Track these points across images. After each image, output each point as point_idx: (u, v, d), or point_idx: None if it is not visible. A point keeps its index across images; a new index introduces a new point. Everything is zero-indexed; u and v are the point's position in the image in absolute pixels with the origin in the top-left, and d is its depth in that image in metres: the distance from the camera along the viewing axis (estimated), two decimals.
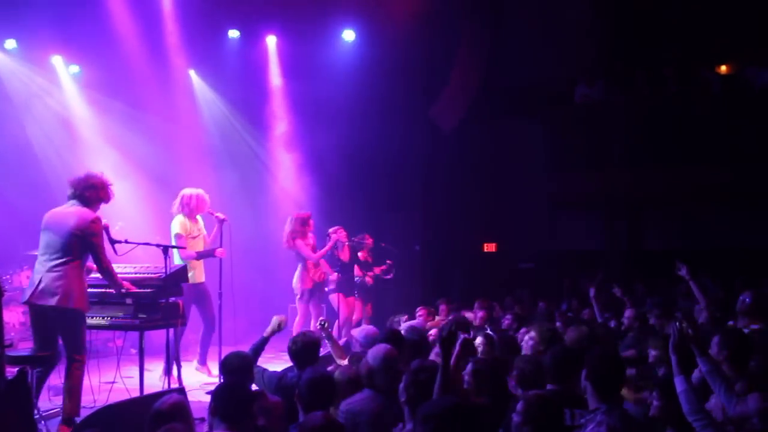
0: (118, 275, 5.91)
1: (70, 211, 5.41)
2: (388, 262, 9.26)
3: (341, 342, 7.22)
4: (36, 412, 5.22)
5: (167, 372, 6.53)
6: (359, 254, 9.07)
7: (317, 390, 3.73)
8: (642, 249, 12.32)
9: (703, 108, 11.41)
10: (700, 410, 3.46)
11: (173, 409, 3.51)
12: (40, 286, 5.29)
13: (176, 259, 7.00)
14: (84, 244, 5.35)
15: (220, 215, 7.14)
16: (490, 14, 11.75)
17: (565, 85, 12.38)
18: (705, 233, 11.71)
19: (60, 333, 5.40)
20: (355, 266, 9.01)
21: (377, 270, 9.22)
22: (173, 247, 6.67)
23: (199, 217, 7.39)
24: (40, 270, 5.37)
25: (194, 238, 7.22)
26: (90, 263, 5.58)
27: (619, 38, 11.92)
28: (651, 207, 12.23)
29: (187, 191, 7.31)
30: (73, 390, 5.32)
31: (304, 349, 4.72)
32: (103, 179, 5.58)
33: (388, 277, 9.23)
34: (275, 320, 5.32)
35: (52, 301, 5.24)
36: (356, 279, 8.94)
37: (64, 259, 5.31)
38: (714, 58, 11.97)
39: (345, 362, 5.12)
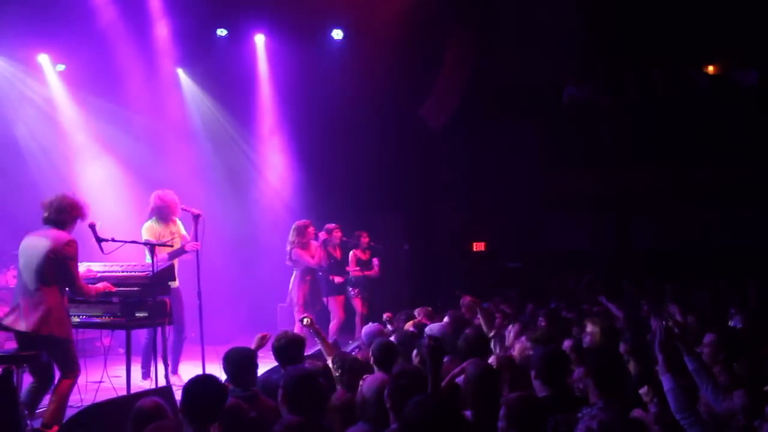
0: (105, 273, 5.89)
1: (44, 235, 5.35)
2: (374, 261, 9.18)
3: (331, 341, 7.19)
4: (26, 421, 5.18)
5: (172, 371, 6.48)
6: (354, 251, 9.03)
7: (302, 389, 3.66)
8: (630, 249, 12.39)
9: (690, 108, 11.49)
10: (688, 408, 3.47)
11: (152, 410, 3.47)
12: (18, 312, 5.26)
13: (146, 259, 6.88)
14: (59, 268, 5.27)
15: (195, 210, 7.00)
16: (478, 14, 11.77)
17: (553, 86, 12.43)
18: (693, 233, 11.80)
19: (47, 354, 5.37)
20: (352, 264, 8.97)
21: (369, 272, 9.15)
22: (160, 244, 6.60)
23: (178, 220, 7.25)
24: (18, 295, 5.34)
25: (166, 243, 7.02)
26: None
27: (606, 39, 11.98)
28: (639, 207, 12.31)
29: (154, 194, 7.19)
30: (59, 396, 5.28)
31: (288, 347, 4.68)
32: (74, 200, 5.47)
33: (371, 272, 9.15)
34: (257, 338, 5.18)
35: (29, 327, 5.17)
36: (353, 277, 8.89)
37: (41, 284, 5.24)
38: (701, 59, 12.06)
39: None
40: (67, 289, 5.41)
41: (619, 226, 12.62)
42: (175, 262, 7.06)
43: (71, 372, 5.36)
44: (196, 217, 6.93)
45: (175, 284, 7.10)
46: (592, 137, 11.96)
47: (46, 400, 5.43)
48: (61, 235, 5.32)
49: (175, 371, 7.17)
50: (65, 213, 5.39)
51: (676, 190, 11.47)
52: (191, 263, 7.00)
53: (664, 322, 3.84)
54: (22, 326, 5.19)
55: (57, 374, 5.44)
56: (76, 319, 5.85)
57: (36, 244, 5.32)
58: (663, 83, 11.86)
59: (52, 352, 5.32)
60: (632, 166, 11.60)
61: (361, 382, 4.02)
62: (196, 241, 6.90)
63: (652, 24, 11.76)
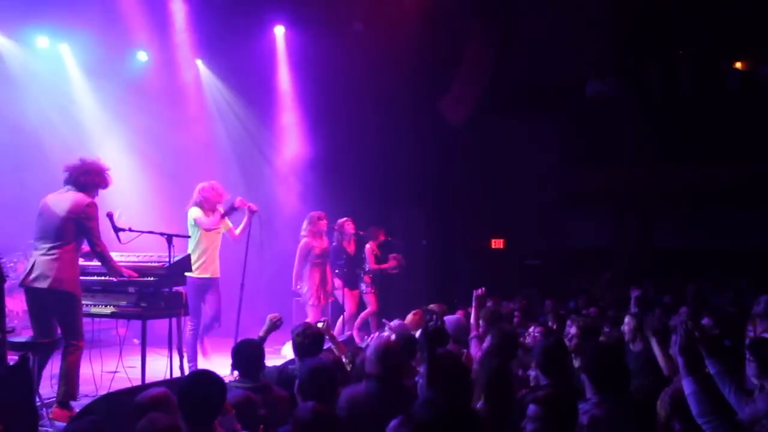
0: (119, 263, 5.91)
1: (65, 196, 5.43)
2: (397, 257, 9.11)
3: (345, 336, 7.18)
4: (37, 399, 5.20)
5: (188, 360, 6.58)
6: (370, 245, 8.98)
7: (319, 380, 3.64)
8: (652, 248, 12.22)
9: (716, 105, 11.27)
10: (710, 412, 3.41)
11: (156, 401, 3.42)
12: (34, 270, 5.34)
13: (189, 248, 6.92)
14: (79, 229, 5.37)
15: (252, 206, 7.12)
16: (500, 7, 11.63)
17: (576, 81, 12.26)
18: (717, 233, 11.59)
19: (56, 317, 5.41)
20: (371, 259, 8.92)
21: (386, 266, 9.09)
22: (177, 236, 6.59)
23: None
24: (35, 254, 5.41)
25: (210, 230, 7.10)
26: (85, 246, 5.57)
27: (631, 32, 11.78)
28: (662, 205, 12.12)
29: (199, 186, 7.23)
30: (68, 374, 5.33)
31: (311, 341, 4.68)
32: (98, 164, 5.57)
33: (395, 272, 9.14)
34: (270, 319, 5.20)
35: (44, 284, 5.28)
36: (367, 268, 8.84)
37: (57, 243, 5.34)
38: (731, 54, 11.79)
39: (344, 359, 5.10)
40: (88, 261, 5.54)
41: (640, 225, 12.44)
42: (216, 255, 7.08)
43: (75, 339, 5.38)
44: (252, 213, 7.08)
45: (218, 274, 7.13)
46: (615, 133, 11.79)
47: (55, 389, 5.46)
48: (82, 197, 5.41)
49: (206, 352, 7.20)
50: (88, 175, 5.47)
51: (700, 188, 11.27)
52: (239, 255, 7.02)
53: (684, 324, 3.76)
54: (38, 284, 5.29)
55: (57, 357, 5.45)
56: (92, 309, 5.87)
57: (56, 204, 5.41)
58: (689, 79, 11.63)
59: (63, 311, 5.37)
60: (655, 164, 11.42)
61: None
62: (248, 236, 7.01)
63: (678, 18, 11.54)
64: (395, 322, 6.34)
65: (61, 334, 5.44)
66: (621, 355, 4.02)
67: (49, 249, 5.33)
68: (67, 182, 5.48)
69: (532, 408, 3.05)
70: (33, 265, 5.35)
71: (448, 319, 5.84)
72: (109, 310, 5.95)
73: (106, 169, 5.61)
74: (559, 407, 3.05)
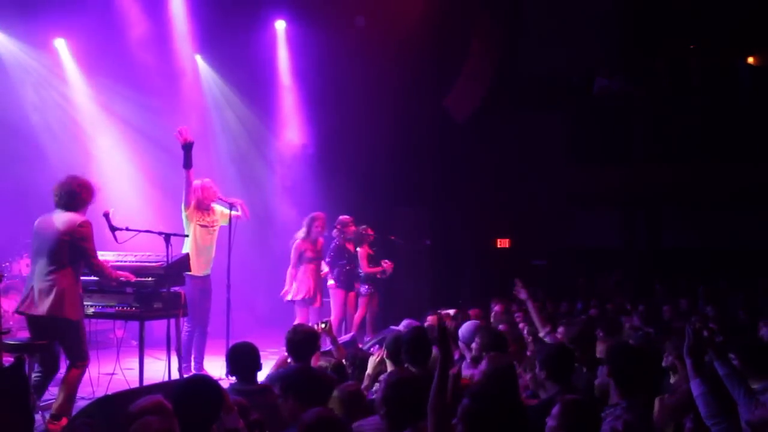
0: (118, 263, 5.85)
1: (57, 217, 5.35)
2: (385, 265, 8.92)
3: (348, 337, 7.07)
4: (36, 410, 5.14)
5: (197, 368, 6.55)
6: (365, 248, 8.85)
7: (304, 382, 3.62)
8: (661, 248, 12.07)
9: (728, 101, 11.11)
10: (718, 414, 3.43)
11: (149, 409, 3.32)
12: (32, 295, 5.25)
13: (185, 248, 6.86)
14: (74, 249, 5.27)
15: (230, 200, 7.10)
16: (506, 2, 11.51)
17: (583, 77, 12.13)
18: (728, 233, 11.44)
19: (57, 341, 5.35)
20: (364, 261, 8.81)
21: (377, 269, 8.93)
22: (175, 235, 6.53)
23: (218, 208, 7.24)
24: (32, 278, 5.33)
25: (205, 227, 7.08)
26: None
27: (640, 27, 11.63)
28: (672, 204, 11.98)
29: (196, 182, 7.20)
30: (68, 387, 5.25)
31: (305, 340, 4.61)
32: (80, 181, 5.46)
33: (383, 276, 8.99)
34: (283, 360, 5.06)
35: (43, 310, 5.19)
36: (361, 273, 8.74)
37: (54, 267, 5.24)
38: (743, 49, 11.61)
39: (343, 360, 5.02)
40: (84, 270, 5.41)
41: (649, 224, 12.29)
42: (212, 250, 7.06)
43: (80, 361, 5.32)
44: (232, 207, 7.03)
45: (208, 271, 7.05)
46: (623, 130, 11.66)
47: (53, 391, 5.40)
48: (74, 217, 5.32)
49: (200, 368, 7.11)
50: (76, 195, 5.39)
51: (711, 187, 11.11)
52: (221, 255, 6.96)
53: (692, 326, 3.79)
54: (36, 310, 5.20)
55: (64, 365, 5.40)
56: (89, 310, 5.82)
57: (49, 226, 5.32)
58: (699, 74, 11.47)
59: (63, 337, 5.30)
60: (664, 161, 11.27)
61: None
62: (230, 235, 6.95)
63: (688, 11, 11.38)
64: (405, 323, 6.22)
65: (65, 356, 5.38)
66: (648, 359, 4.00)
67: (47, 274, 5.23)
68: (58, 205, 5.39)
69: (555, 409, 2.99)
70: (31, 292, 5.27)
71: (465, 325, 5.61)
72: (106, 310, 5.88)
73: (90, 184, 5.50)
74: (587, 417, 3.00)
